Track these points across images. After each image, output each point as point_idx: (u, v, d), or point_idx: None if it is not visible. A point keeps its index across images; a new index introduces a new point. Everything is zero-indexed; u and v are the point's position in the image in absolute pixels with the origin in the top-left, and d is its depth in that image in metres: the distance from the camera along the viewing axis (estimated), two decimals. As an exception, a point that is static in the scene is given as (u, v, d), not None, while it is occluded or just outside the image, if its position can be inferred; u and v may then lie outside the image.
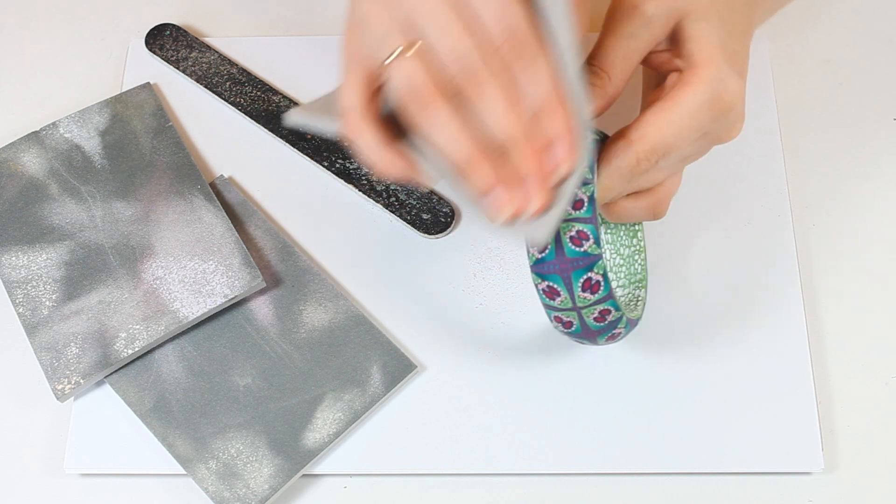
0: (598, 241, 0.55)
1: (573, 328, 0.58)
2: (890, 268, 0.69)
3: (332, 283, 0.68)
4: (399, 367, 0.65)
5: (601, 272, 0.55)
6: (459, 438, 0.63)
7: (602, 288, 0.55)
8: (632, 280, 0.64)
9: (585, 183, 0.54)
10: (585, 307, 0.56)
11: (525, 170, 0.51)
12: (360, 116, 0.52)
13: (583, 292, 0.55)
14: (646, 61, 0.59)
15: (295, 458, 0.62)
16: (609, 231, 0.65)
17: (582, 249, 0.55)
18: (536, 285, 0.56)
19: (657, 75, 0.60)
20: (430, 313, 0.67)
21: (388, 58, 0.50)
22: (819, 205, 0.71)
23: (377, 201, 0.70)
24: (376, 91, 0.53)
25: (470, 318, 0.67)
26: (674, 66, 0.57)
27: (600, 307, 0.56)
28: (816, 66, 0.76)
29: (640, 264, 0.64)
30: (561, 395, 0.64)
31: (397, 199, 0.70)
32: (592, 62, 0.57)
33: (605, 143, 0.57)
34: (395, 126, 0.53)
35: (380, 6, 0.51)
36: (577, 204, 0.54)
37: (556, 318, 0.58)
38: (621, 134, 0.56)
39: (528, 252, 0.56)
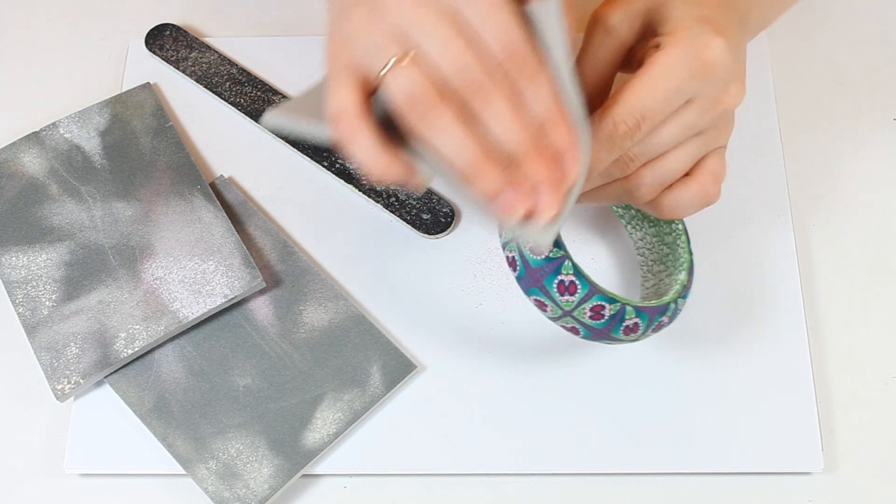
0: (558, 245, 0.56)
1: (581, 333, 0.59)
2: (890, 268, 0.69)
3: (332, 283, 0.68)
4: (399, 367, 0.65)
5: (570, 272, 0.56)
6: (459, 438, 0.63)
7: (579, 287, 0.56)
8: (677, 266, 0.63)
9: None
10: (574, 309, 0.57)
11: (536, 177, 0.51)
12: (356, 118, 0.52)
13: (562, 296, 0.57)
14: (634, 65, 0.59)
15: (295, 458, 0.62)
16: (651, 224, 0.65)
17: (544, 257, 0.56)
18: (531, 302, 0.58)
19: None
20: (430, 313, 0.67)
21: (384, 67, 0.51)
22: (819, 205, 0.71)
23: (377, 201, 0.70)
24: (367, 95, 0.53)
25: (470, 318, 0.67)
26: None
27: (589, 305, 0.57)
28: (816, 66, 0.76)
29: (682, 248, 0.64)
30: (561, 396, 0.64)
31: (397, 199, 0.70)
32: None
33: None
34: (388, 132, 0.53)
35: (367, 20, 0.52)
36: None
37: (562, 327, 0.59)
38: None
39: (512, 274, 0.58)
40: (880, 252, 0.69)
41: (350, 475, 0.63)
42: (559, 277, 0.56)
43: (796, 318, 0.66)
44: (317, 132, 0.55)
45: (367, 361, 0.65)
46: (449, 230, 0.69)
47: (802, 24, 0.77)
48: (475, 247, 0.69)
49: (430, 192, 0.70)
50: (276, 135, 0.73)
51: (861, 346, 0.66)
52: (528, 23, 0.52)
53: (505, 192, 0.51)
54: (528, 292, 0.58)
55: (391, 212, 0.70)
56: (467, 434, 0.63)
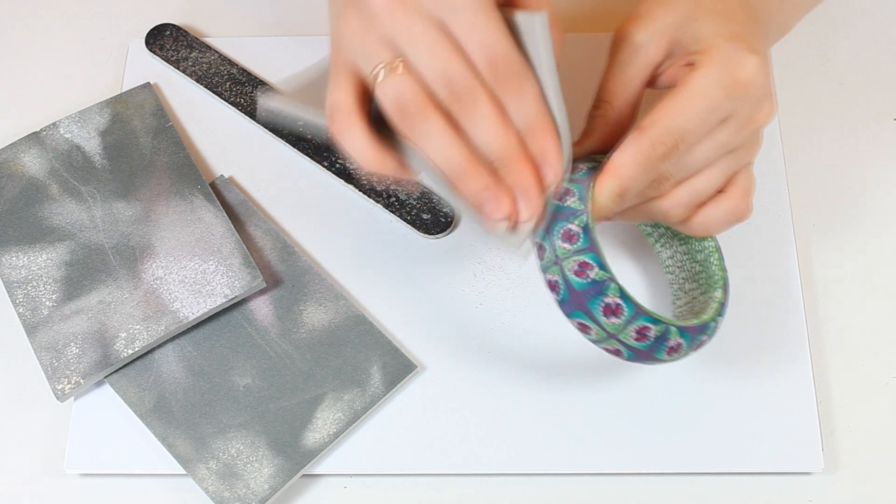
0: (603, 267, 0.55)
1: (624, 356, 0.57)
2: (890, 268, 0.69)
3: (332, 283, 0.68)
4: (399, 367, 0.65)
5: (616, 294, 0.55)
6: (459, 438, 0.63)
7: (625, 309, 0.55)
8: (711, 283, 0.63)
9: (577, 214, 0.55)
10: (620, 332, 0.56)
11: (517, 183, 0.53)
12: (349, 114, 0.54)
13: (607, 319, 0.55)
14: (661, 82, 0.59)
15: (295, 458, 0.62)
16: (682, 242, 0.65)
17: (588, 279, 0.55)
18: (573, 325, 0.57)
19: None
20: (430, 313, 0.67)
21: (375, 72, 0.52)
22: (819, 205, 0.71)
23: (377, 201, 0.70)
24: (364, 93, 0.54)
25: (470, 318, 0.67)
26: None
27: (634, 326, 0.56)
28: (817, 66, 0.76)
29: (715, 265, 0.63)
30: (560, 396, 0.64)
31: (397, 199, 0.70)
32: (597, 95, 0.59)
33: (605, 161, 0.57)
34: (383, 127, 0.54)
35: (359, 25, 0.53)
36: (572, 238, 0.55)
37: (605, 349, 0.58)
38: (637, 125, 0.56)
39: (553, 298, 0.57)
40: (880, 252, 0.69)
41: (350, 475, 0.64)
42: (604, 300, 0.55)
43: (796, 318, 0.66)
44: (314, 122, 0.57)
45: (367, 361, 0.65)
46: (449, 230, 0.69)
47: (803, 25, 0.77)
48: (475, 247, 0.69)
49: (430, 193, 0.70)
50: (275, 131, 0.73)
51: (861, 346, 0.66)
52: (514, 33, 0.53)
53: (486, 196, 0.53)
54: (570, 316, 0.56)
55: (391, 212, 0.70)
56: (467, 434, 0.63)
